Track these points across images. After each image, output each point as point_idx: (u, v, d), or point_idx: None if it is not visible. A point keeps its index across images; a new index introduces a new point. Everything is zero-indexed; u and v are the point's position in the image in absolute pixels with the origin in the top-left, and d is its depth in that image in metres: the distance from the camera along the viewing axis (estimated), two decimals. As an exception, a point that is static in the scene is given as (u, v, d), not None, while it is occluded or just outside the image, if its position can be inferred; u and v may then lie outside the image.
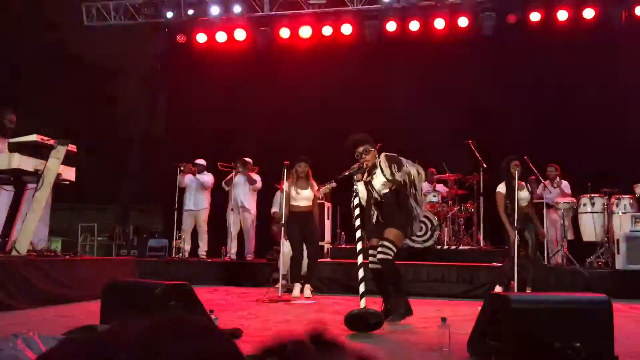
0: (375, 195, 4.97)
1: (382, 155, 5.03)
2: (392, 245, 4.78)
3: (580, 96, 10.26)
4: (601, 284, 7.02)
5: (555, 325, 3.12)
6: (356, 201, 4.72)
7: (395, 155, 5.01)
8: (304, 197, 6.78)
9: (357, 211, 4.68)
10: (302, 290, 6.78)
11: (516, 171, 6.62)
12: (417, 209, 4.93)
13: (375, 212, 4.99)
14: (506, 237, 6.78)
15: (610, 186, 8.23)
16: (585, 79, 10.28)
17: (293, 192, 6.79)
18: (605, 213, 7.99)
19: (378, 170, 4.97)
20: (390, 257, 4.75)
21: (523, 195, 6.76)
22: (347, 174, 4.84)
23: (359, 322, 4.22)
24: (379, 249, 4.78)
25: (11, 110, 6.94)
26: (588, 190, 8.33)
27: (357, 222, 4.65)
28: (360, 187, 4.86)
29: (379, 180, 4.96)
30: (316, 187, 6.87)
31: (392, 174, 4.84)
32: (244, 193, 9.29)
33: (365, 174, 4.99)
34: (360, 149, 4.98)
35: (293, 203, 6.80)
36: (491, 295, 3.59)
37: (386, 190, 4.96)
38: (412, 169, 4.95)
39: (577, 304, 3.28)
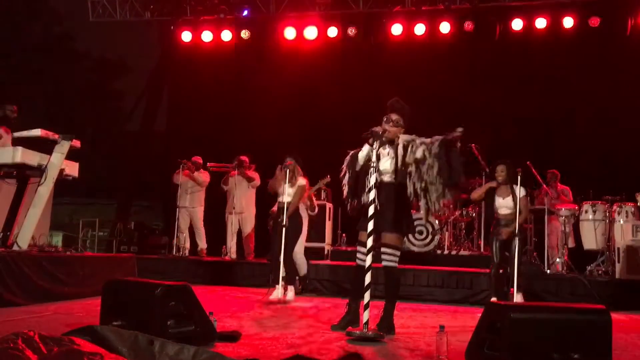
0: (375, 171, 4.34)
1: (403, 136, 4.60)
2: (397, 252, 4.55)
3: (584, 103, 10.26)
4: (601, 292, 7.01)
5: (553, 336, 3.13)
6: (372, 180, 4.26)
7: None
8: (288, 193, 6.71)
9: (372, 194, 4.22)
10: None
11: (499, 177, 6.45)
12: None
13: (373, 197, 4.28)
14: (490, 244, 6.69)
15: (613, 194, 8.22)
16: (590, 85, 10.29)
17: (280, 189, 6.74)
18: (607, 221, 7.97)
19: (397, 150, 4.52)
20: (396, 265, 4.53)
21: (507, 203, 6.42)
22: (368, 134, 4.38)
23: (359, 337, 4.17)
24: (386, 257, 4.50)
25: (10, 103, 7.01)
26: (590, 197, 8.32)
27: (371, 209, 4.19)
28: (364, 152, 4.49)
29: (389, 163, 4.52)
30: (300, 182, 6.79)
31: (403, 155, 4.44)
32: (242, 193, 9.28)
33: (379, 143, 4.46)
34: (394, 117, 4.57)
35: (279, 199, 6.75)
36: (490, 305, 3.59)
37: (389, 179, 4.53)
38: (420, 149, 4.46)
39: (576, 315, 3.28)
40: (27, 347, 2.40)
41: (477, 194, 6.76)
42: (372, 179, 4.28)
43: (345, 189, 4.77)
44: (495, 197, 6.52)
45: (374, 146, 4.33)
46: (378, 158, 4.45)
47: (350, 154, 4.72)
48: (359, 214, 4.65)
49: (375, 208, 4.26)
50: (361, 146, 4.62)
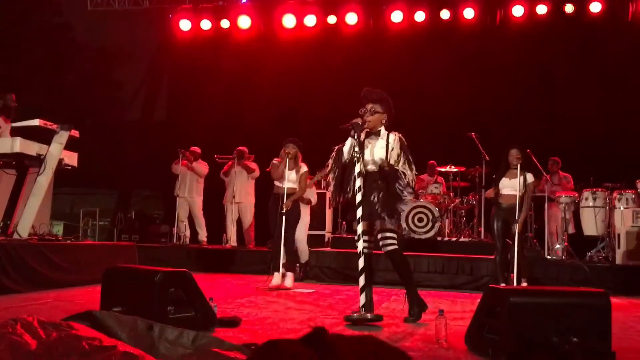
0: (360, 164, 4.39)
1: (398, 135, 4.56)
2: (394, 234, 4.50)
3: (585, 90, 10.21)
4: (601, 278, 7.02)
5: (553, 320, 3.12)
6: (357, 169, 4.30)
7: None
8: (290, 179, 6.58)
9: (358, 182, 4.27)
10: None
11: (514, 161, 6.30)
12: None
13: (359, 186, 4.34)
14: (491, 228, 6.57)
15: (613, 181, 8.22)
16: (590, 72, 10.25)
17: (281, 174, 6.54)
18: (607, 208, 7.97)
19: (382, 142, 4.52)
20: (396, 247, 4.48)
21: (512, 184, 6.27)
22: (348, 126, 4.37)
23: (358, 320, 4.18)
24: (383, 242, 4.45)
25: (9, 92, 7.03)
26: (590, 184, 8.31)
27: (359, 197, 4.26)
28: (348, 145, 4.45)
29: (376, 152, 4.50)
30: (304, 168, 6.68)
31: (396, 161, 4.43)
32: (242, 183, 9.28)
33: (363, 134, 4.51)
34: (369, 107, 4.51)
35: (278, 184, 6.60)
36: (490, 289, 3.58)
37: (374, 168, 4.50)
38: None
39: (575, 299, 3.27)
40: (26, 332, 2.41)
41: (494, 192, 6.52)
42: (357, 168, 4.31)
43: (332, 185, 4.73)
44: (502, 179, 6.37)
45: (355, 137, 4.34)
46: (362, 148, 4.46)
47: (335, 149, 4.69)
48: (348, 205, 4.66)
49: (363, 196, 4.33)
50: (346, 139, 4.57)
